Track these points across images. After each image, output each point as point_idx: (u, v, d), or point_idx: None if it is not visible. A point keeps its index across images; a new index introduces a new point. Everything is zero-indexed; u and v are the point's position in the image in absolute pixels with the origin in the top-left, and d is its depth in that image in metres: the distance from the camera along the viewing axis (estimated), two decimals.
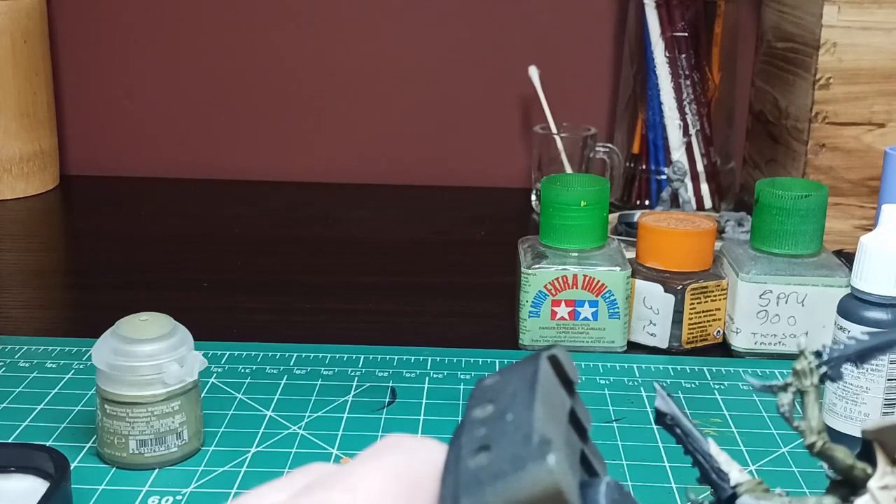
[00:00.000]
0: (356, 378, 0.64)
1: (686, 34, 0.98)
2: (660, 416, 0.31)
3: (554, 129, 1.02)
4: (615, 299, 0.68)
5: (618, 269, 0.68)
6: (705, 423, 0.59)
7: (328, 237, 0.95)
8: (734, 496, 0.30)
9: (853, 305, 0.56)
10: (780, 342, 0.69)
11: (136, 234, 0.95)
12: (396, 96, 1.14)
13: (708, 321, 0.69)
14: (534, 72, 1.04)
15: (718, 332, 0.70)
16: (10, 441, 0.55)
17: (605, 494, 0.25)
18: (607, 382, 0.64)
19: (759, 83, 1.05)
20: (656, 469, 0.54)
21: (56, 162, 1.10)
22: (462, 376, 0.65)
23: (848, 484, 0.29)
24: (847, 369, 0.30)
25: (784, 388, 0.30)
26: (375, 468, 0.24)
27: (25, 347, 0.67)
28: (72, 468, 0.50)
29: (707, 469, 0.31)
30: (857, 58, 0.87)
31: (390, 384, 0.63)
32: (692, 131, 1.00)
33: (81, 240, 0.96)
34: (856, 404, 0.56)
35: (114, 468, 0.53)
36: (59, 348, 0.67)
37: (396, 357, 0.67)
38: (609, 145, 1.02)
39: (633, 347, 0.70)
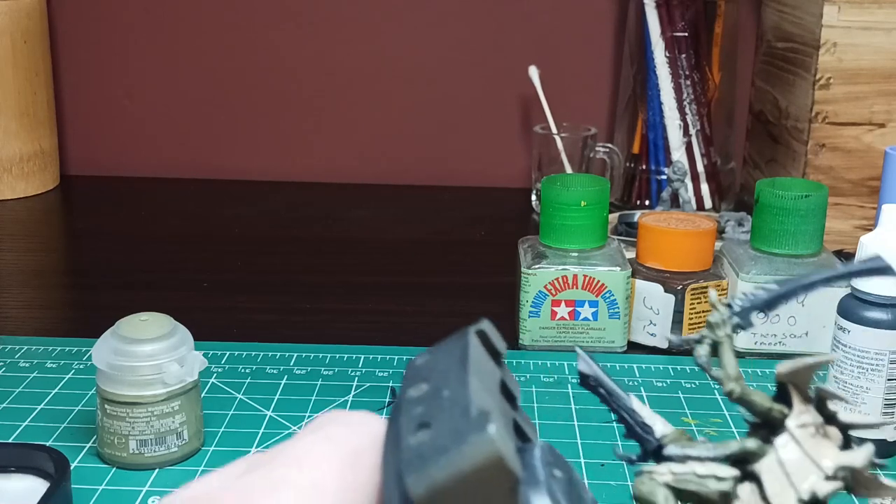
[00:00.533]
0: (356, 378, 0.64)
1: (686, 34, 0.98)
2: (584, 378, 0.31)
3: (554, 129, 1.02)
4: (615, 299, 0.68)
5: (618, 269, 0.68)
6: (705, 423, 0.60)
7: (328, 237, 0.95)
8: (660, 447, 0.30)
9: (853, 305, 0.56)
10: (780, 342, 0.69)
11: (136, 234, 0.95)
12: (396, 96, 1.14)
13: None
14: (534, 72, 1.04)
15: None
16: (10, 441, 0.55)
17: (540, 458, 0.25)
18: None
19: (759, 83, 1.05)
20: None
21: (56, 162, 1.10)
22: None
23: (767, 426, 0.30)
24: (756, 317, 0.31)
25: (700, 340, 0.31)
26: (316, 441, 0.24)
27: (25, 347, 0.67)
28: (72, 468, 0.50)
29: (632, 424, 0.31)
30: (857, 58, 0.87)
31: (390, 384, 0.63)
32: (692, 131, 1.00)
33: (81, 240, 0.96)
34: (856, 404, 0.56)
35: (114, 468, 0.53)
36: (59, 348, 0.67)
37: (396, 357, 0.67)
38: (609, 145, 1.02)
39: (633, 347, 0.70)
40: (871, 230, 0.57)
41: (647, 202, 1.02)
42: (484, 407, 0.23)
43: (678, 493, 0.29)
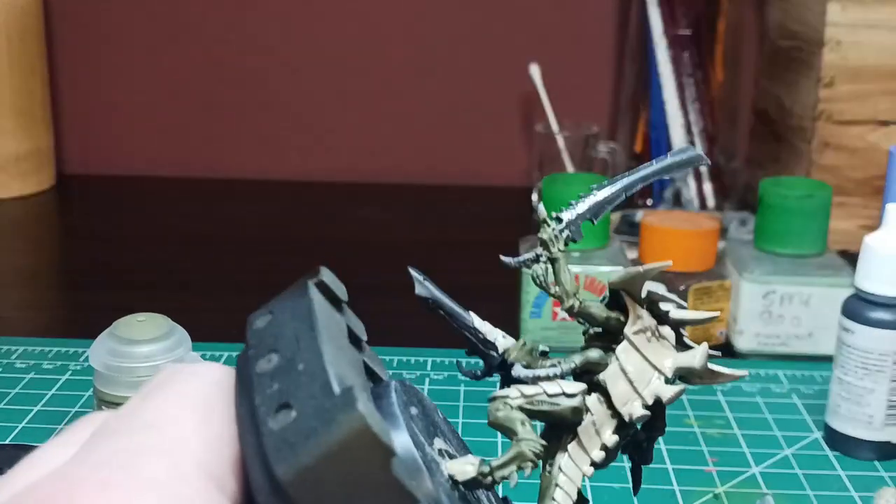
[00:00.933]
0: None
1: (689, 32, 0.98)
2: (422, 302, 0.31)
3: (555, 128, 1.02)
4: None
5: (620, 269, 0.67)
6: (708, 425, 0.59)
7: (328, 237, 0.95)
8: (503, 362, 0.31)
9: (858, 306, 0.55)
10: (783, 343, 0.68)
11: (134, 234, 0.95)
12: (397, 95, 1.13)
13: (710, 322, 0.69)
14: (535, 70, 1.04)
15: (722, 332, 0.70)
16: (6, 443, 0.55)
17: (397, 404, 0.25)
18: None
19: (762, 82, 1.04)
20: (658, 471, 0.54)
21: (52, 161, 1.09)
22: (462, 377, 0.64)
23: (606, 335, 0.31)
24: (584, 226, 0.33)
25: (536, 259, 0.32)
26: (168, 401, 0.23)
27: (22, 348, 0.67)
28: None
29: (474, 342, 0.32)
30: (861, 56, 0.86)
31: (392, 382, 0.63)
32: (695, 130, 1.00)
33: (78, 239, 0.95)
34: (860, 406, 0.56)
35: None
36: (56, 349, 0.67)
37: (396, 357, 0.67)
38: (611, 144, 1.02)
39: None
40: (875, 230, 0.56)
41: (649, 201, 1.01)
42: (346, 380, 0.22)
43: (531, 414, 0.29)
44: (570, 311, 0.31)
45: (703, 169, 1.00)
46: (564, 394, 0.29)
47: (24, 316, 0.75)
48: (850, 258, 0.68)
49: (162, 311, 0.55)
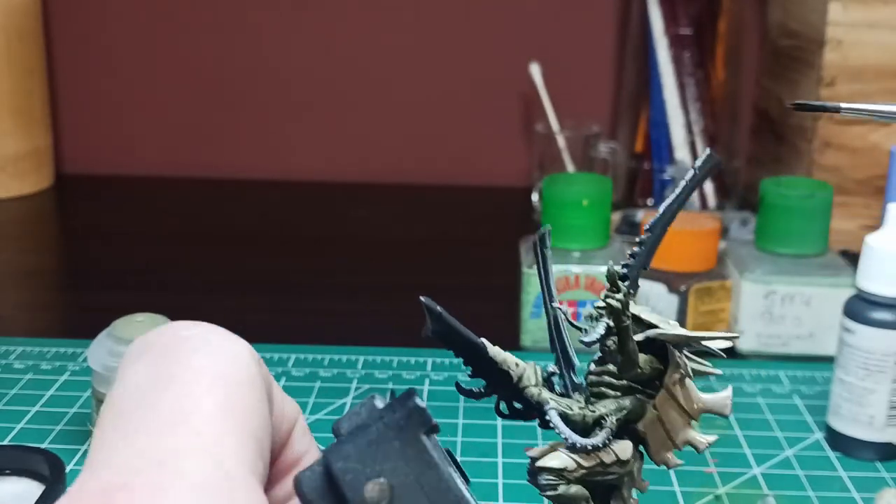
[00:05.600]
0: (355, 380, 0.63)
1: (690, 31, 0.98)
2: (435, 332, 0.31)
3: (556, 128, 1.01)
4: None
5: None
6: (709, 426, 0.59)
7: (328, 237, 0.95)
8: (516, 387, 0.31)
9: (859, 306, 0.55)
10: (784, 343, 0.68)
11: (133, 234, 0.94)
12: (396, 95, 1.13)
13: (712, 322, 0.69)
14: (535, 69, 1.03)
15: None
16: (4, 443, 0.55)
17: None
18: None
19: (763, 81, 1.04)
20: (658, 473, 0.53)
21: (51, 160, 1.09)
22: (462, 378, 0.64)
23: (640, 382, 0.31)
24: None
25: (608, 333, 0.31)
26: (190, 387, 0.22)
27: (20, 349, 0.67)
28: (67, 471, 0.49)
29: (489, 370, 0.32)
30: (862, 56, 0.86)
31: (390, 386, 0.63)
32: (696, 129, 0.99)
33: (77, 239, 0.95)
34: (861, 406, 0.55)
35: None
36: (54, 349, 0.67)
37: (396, 358, 0.67)
38: (612, 144, 1.02)
39: None
40: (877, 230, 0.56)
41: (650, 201, 1.01)
42: None
43: (588, 484, 0.30)
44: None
45: None
46: (619, 461, 0.30)
47: (22, 316, 0.75)
48: (852, 258, 0.68)
49: (161, 312, 0.55)
